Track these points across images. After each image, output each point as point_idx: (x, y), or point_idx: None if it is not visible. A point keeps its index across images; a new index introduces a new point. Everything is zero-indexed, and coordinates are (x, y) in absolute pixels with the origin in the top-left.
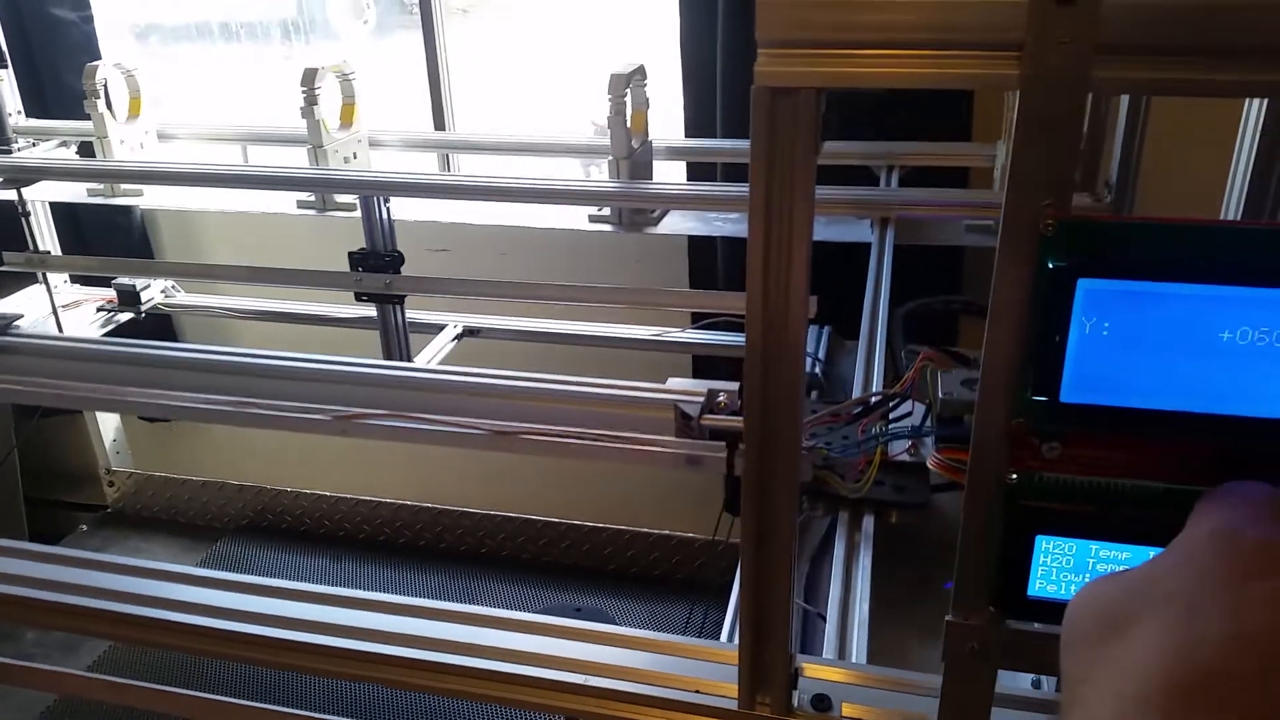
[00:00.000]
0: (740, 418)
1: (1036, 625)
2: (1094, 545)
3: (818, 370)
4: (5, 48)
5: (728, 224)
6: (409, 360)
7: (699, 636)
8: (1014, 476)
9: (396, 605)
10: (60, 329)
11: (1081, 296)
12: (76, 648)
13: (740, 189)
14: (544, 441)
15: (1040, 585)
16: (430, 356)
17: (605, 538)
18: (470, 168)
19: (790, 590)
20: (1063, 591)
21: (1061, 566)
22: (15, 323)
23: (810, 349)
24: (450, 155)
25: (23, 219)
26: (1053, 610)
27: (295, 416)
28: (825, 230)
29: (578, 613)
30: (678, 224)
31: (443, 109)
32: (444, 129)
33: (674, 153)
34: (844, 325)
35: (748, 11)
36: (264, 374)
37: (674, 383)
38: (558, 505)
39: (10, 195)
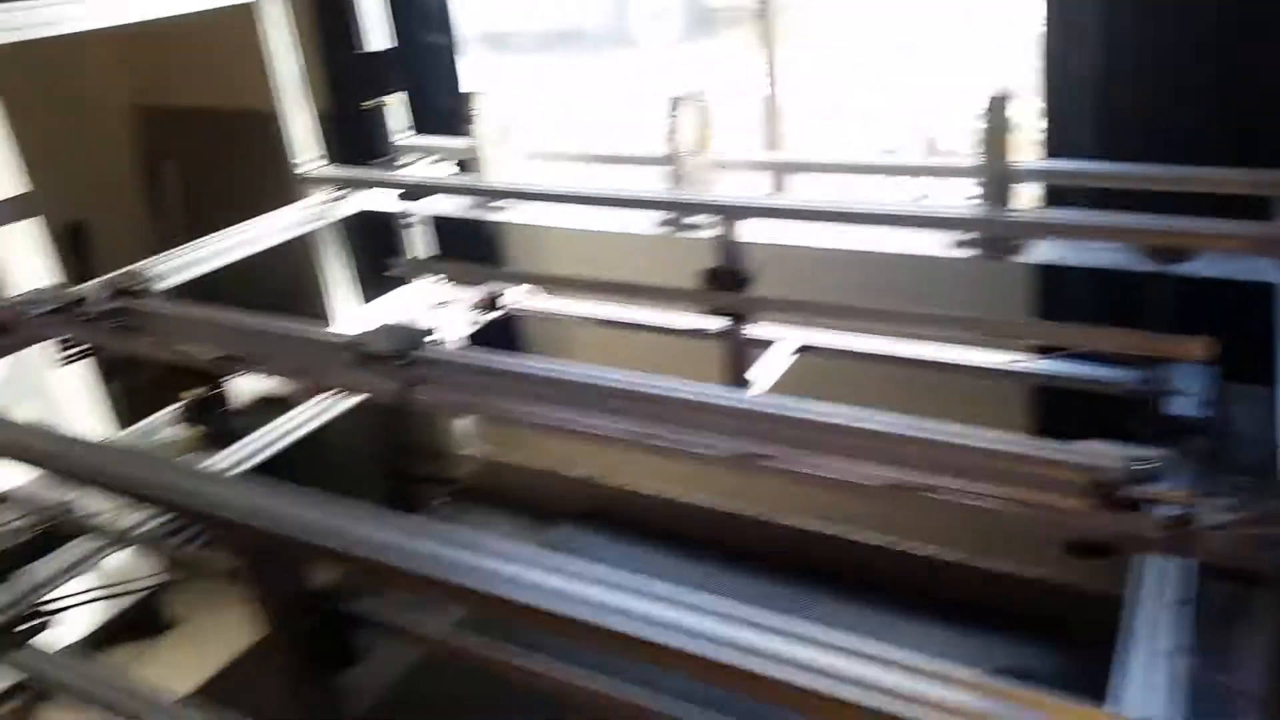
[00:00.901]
0: (1176, 495)
1: None
2: None
3: (1202, 414)
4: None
5: (1106, 254)
6: (746, 375)
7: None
8: None
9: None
10: (435, 324)
11: None
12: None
13: (1133, 218)
14: (942, 500)
15: None
16: (768, 372)
17: (932, 565)
18: (803, 187)
19: None
20: None
21: None
22: (426, 338)
23: (1194, 389)
24: (782, 175)
25: (411, 229)
26: None
27: (688, 450)
28: (1221, 267)
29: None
30: (1048, 253)
31: (777, 128)
32: (776, 147)
33: (1036, 175)
34: (1235, 366)
35: (1139, 24)
36: (664, 402)
37: (1085, 445)
38: (886, 525)
39: (403, 207)
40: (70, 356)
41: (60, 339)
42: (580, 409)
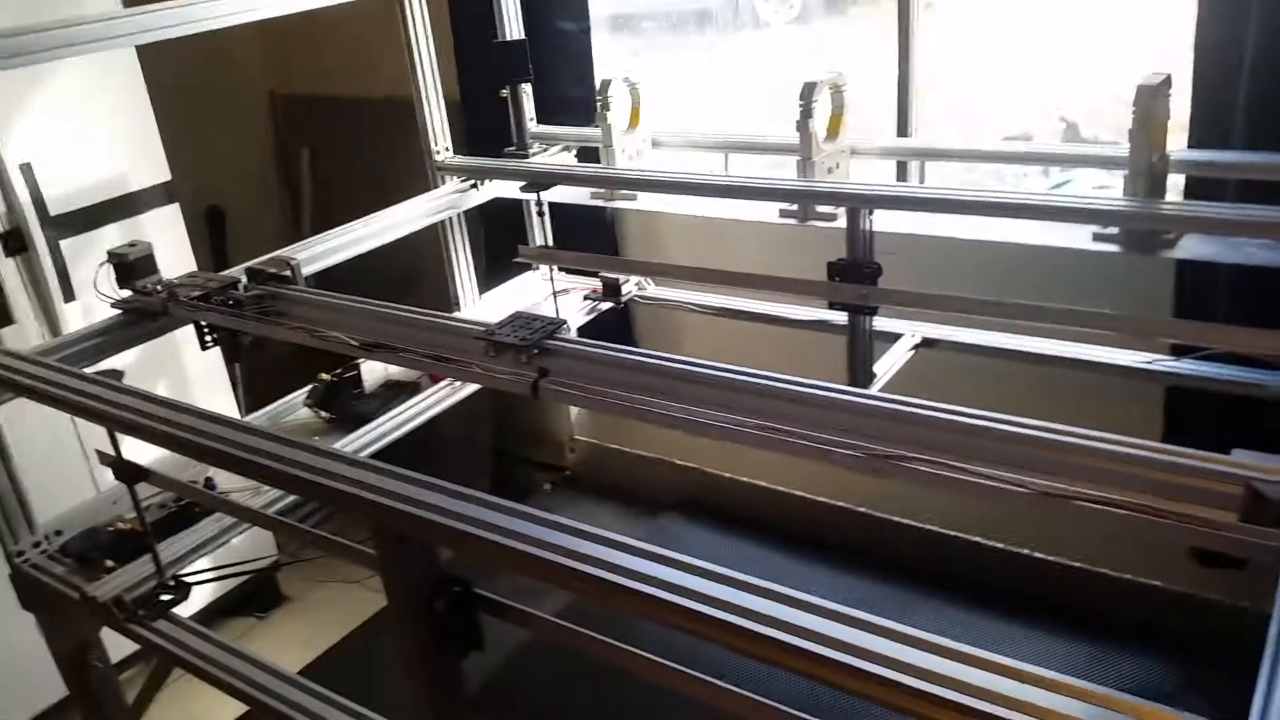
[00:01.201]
0: None
1: None
2: None
3: None
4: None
5: (1262, 250)
6: (870, 370)
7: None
8: None
9: (838, 614)
10: (558, 312)
11: None
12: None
13: None
14: (1093, 509)
15: None
16: (889, 366)
17: (1050, 571)
18: (935, 176)
19: None
20: None
21: None
22: (561, 329)
23: None
24: (910, 163)
25: (538, 217)
26: None
27: (827, 449)
28: None
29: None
30: (1200, 248)
31: (908, 114)
32: (908, 134)
33: (1185, 166)
34: None
35: None
36: (793, 399)
37: (1239, 454)
38: (999, 527)
39: (529, 196)
40: (217, 340)
41: (208, 324)
42: (707, 405)
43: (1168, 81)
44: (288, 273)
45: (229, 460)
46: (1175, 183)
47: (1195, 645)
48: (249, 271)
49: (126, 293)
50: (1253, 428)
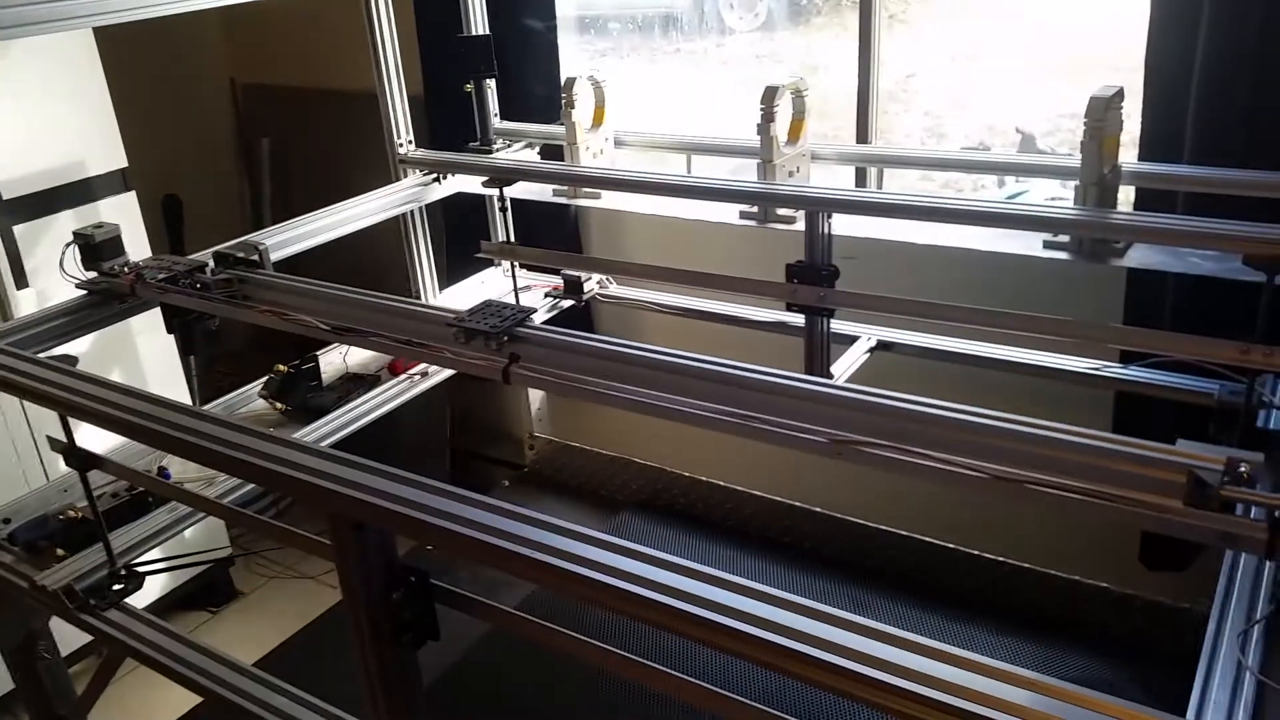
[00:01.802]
0: (1278, 495)
1: None
2: None
3: None
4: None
5: (1208, 261)
6: (827, 371)
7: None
8: None
9: (798, 605)
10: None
11: None
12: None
13: (1238, 226)
14: (1046, 493)
15: None
16: (845, 368)
17: (998, 571)
18: (893, 180)
19: None
20: None
21: None
22: (530, 317)
23: None
24: (869, 169)
25: (500, 213)
26: None
27: (792, 435)
28: None
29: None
30: (1148, 258)
31: (868, 122)
32: (868, 140)
33: (1136, 178)
34: None
35: (1242, 27)
36: (758, 388)
37: (1183, 445)
38: (949, 527)
39: (492, 191)
40: (183, 324)
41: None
42: (672, 392)
43: (1120, 95)
44: (255, 257)
45: (184, 447)
46: (1127, 196)
47: (1140, 644)
48: (216, 255)
49: (91, 274)
50: (1199, 434)
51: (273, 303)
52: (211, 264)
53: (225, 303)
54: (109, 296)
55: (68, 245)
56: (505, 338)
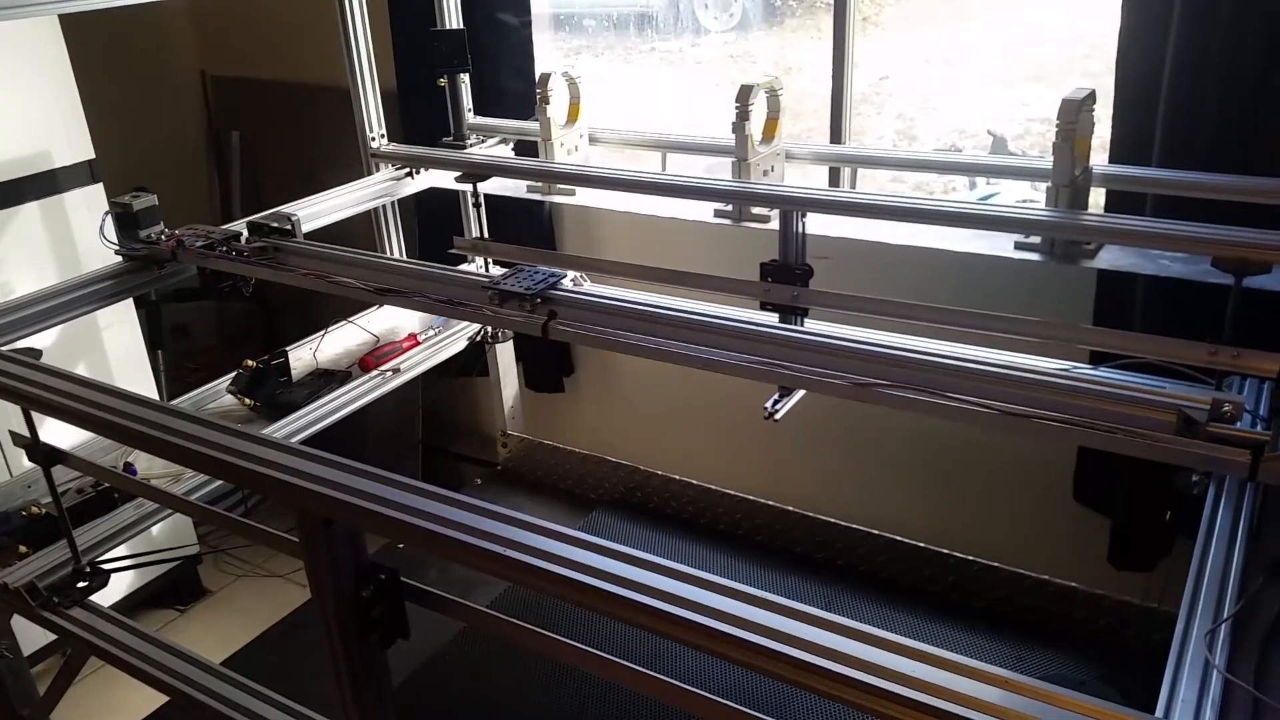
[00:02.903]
0: (1259, 430)
1: None
2: None
3: (1258, 429)
4: (468, 52)
5: (1177, 264)
6: None
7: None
8: None
9: (772, 603)
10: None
11: None
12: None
13: (1208, 229)
14: (1051, 426)
15: None
16: None
17: (974, 571)
18: (865, 180)
19: None
20: None
21: None
22: (562, 280)
23: (1254, 406)
24: (843, 169)
25: (474, 208)
26: None
27: (818, 380)
28: None
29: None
30: (1118, 259)
31: (841, 122)
32: (841, 140)
33: (1107, 180)
34: None
35: (1211, 32)
36: (773, 340)
37: (1172, 386)
38: (925, 529)
39: (465, 187)
40: (222, 289)
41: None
42: (699, 345)
43: (1091, 97)
44: (289, 226)
45: (149, 442)
46: (1098, 200)
47: (1109, 642)
48: (250, 225)
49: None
50: None
51: (311, 268)
52: (246, 233)
53: (266, 266)
54: (149, 263)
55: (106, 214)
56: (539, 299)
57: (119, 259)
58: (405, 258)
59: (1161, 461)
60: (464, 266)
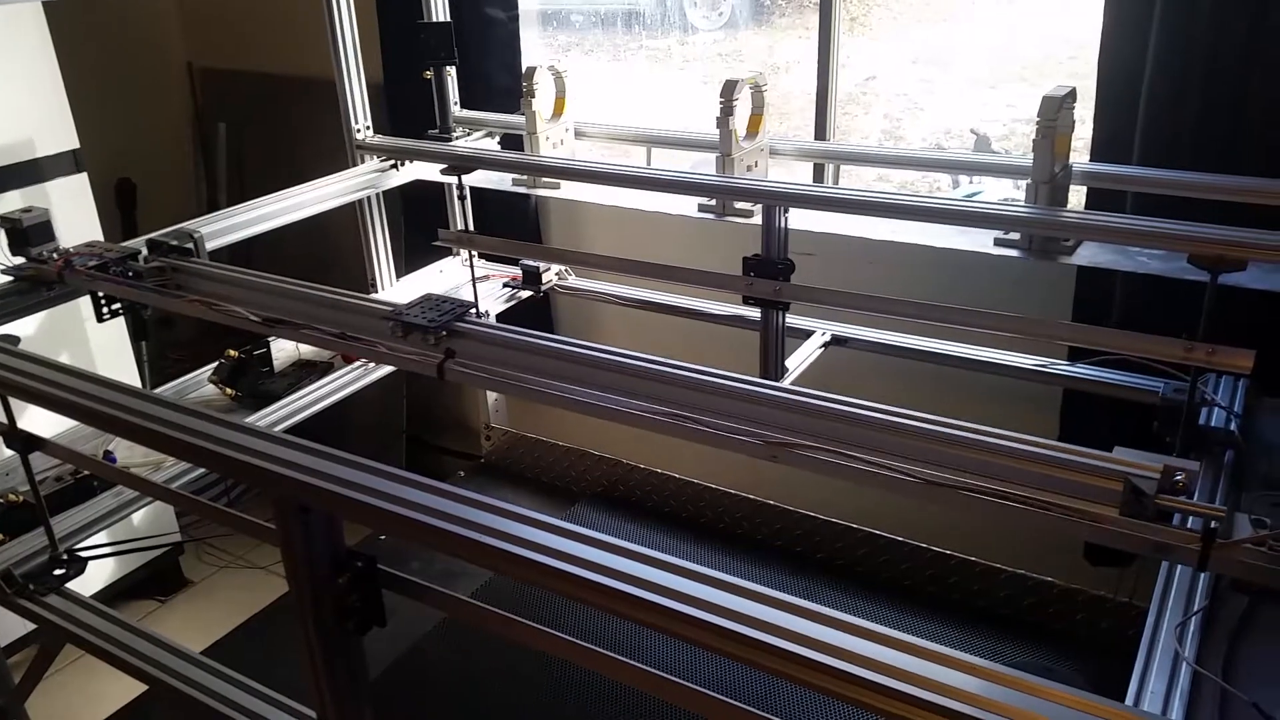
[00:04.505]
0: (1210, 508)
1: None
2: None
3: (1232, 426)
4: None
5: (1155, 260)
6: (782, 365)
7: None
8: None
9: (754, 592)
10: (476, 297)
11: None
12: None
13: (1185, 226)
14: (981, 499)
15: None
16: (799, 362)
17: (953, 565)
18: (844, 176)
19: None
20: None
21: None
22: (470, 311)
23: (1228, 401)
24: (827, 165)
25: (459, 201)
26: None
27: (727, 436)
28: (1271, 279)
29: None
30: (1096, 256)
31: (827, 118)
32: (825, 138)
33: (1087, 178)
34: (1268, 380)
35: (1191, 33)
36: (696, 388)
37: (1120, 453)
38: (904, 523)
39: (450, 179)
40: (113, 312)
41: (104, 295)
42: (610, 391)
43: (1072, 95)
44: (190, 245)
45: (126, 428)
46: (1081, 199)
47: (1084, 636)
48: (150, 243)
49: (20, 260)
50: (1144, 432)
51: (204, 293)
52: (145, 251)
53: (155, 292)
54: (36, 283)
55: None
56: (443, 332)
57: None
58: (310, 284)
59: (1107, 545)
60: (446, 260)
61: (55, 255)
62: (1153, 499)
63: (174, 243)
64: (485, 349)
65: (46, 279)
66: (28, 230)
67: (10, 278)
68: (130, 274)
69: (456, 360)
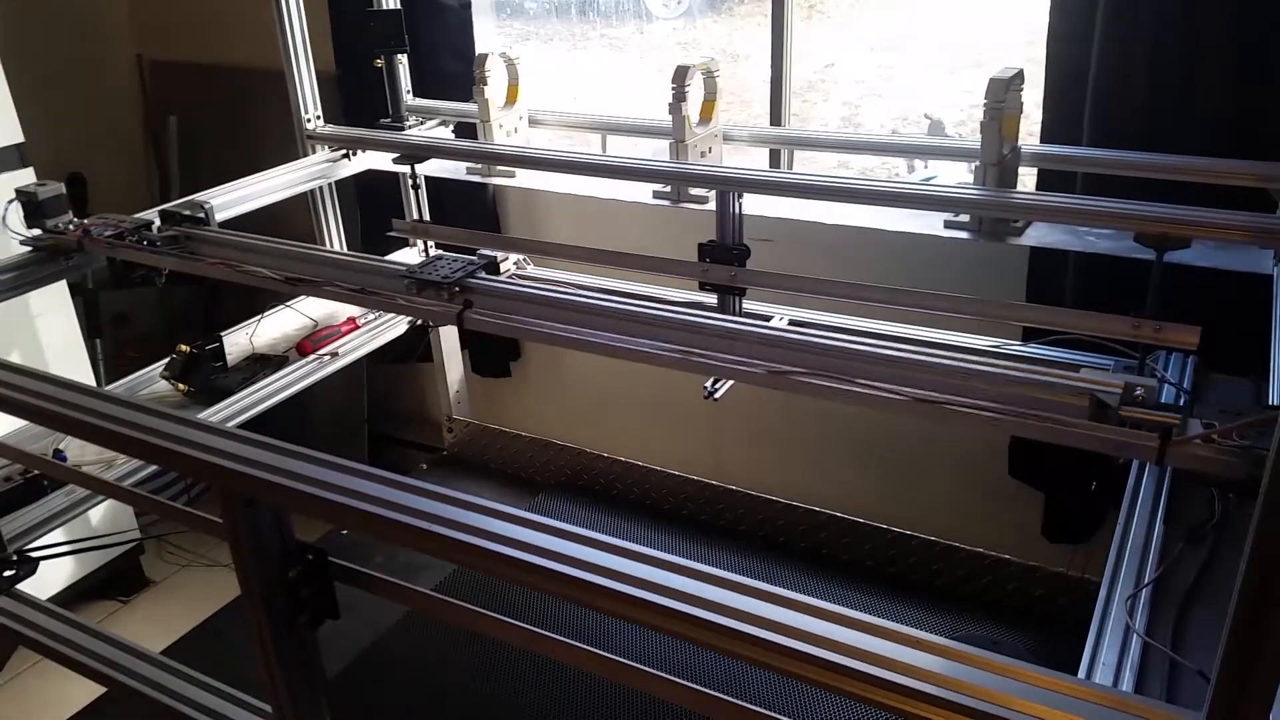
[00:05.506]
0: (1168, 414)
1: None
2: None
3: (1181, 402)
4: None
5: (1103, 240)
6: None
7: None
8: None
9: (725, 580)
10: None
11: None
12: (415, 576)
13: (1133, 205)
14: (962, 413)
15: None
16: None
17: (913, 546)
18: (804, 163)
19: None
20: None
21: None
22: (481, 269)
23: (1178, 379)
24: (783, 151)
25: (412, 191)
26: None
27: (734, 367)
28: (1215, 257)
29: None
30: (1045, 236)
31: (781, 104)
32: (780, 124)
33: (1036, 159)
34: (1215, 357)
35: (1137, 14)
36: (695, 329)
37: (1087, 372)
38: (865, 505)
39: (403, 168)
40: (134, 278)
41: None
42: (622, 334)
43: (1019, 77)
44: (201, 214)
45: (73, 425)
46: (1031, 181)
47: (1042, 612)
48: (163, 214)
49: (36, 231)
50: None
51: (223, 257)
52: (158, 221)
53: (175, 256)
54: (55, 253)
55: (10, 201)
56: (457, 287)
57: (24, 249)
58: (325, 246)
59: (1074, 446)
60: (403, 251)
61: (72, 226)
62: (1116, 410)
63: (187, 212)
64: (499, 300)
65: (65, 248)
66: (43, 203)
67: (29, 248)
68: (151, 241)
69: (475, 310)
